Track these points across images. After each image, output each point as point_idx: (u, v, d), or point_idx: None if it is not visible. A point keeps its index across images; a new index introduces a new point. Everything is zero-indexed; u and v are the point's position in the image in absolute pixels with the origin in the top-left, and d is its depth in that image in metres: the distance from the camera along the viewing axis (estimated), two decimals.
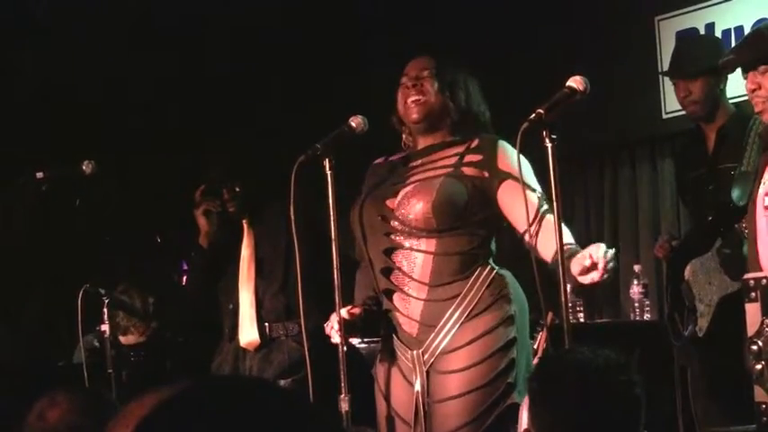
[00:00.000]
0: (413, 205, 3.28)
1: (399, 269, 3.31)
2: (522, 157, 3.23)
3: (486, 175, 3.28)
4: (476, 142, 3.35)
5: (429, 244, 3.29)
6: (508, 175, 3.25)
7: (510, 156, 3.26)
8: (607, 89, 5.30)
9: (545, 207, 3.17)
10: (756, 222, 3.27)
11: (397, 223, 3.32)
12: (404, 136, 3.51)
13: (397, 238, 3.33)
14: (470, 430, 3.20)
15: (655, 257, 5.23)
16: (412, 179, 3.36)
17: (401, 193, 3.33)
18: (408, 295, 3.31)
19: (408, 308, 3.31)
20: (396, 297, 3.34)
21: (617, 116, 6.04)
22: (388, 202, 3.35)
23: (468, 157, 3.32)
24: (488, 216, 3.30)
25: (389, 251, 3.34)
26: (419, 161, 3.41)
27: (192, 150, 5.73)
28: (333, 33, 6.55)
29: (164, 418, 1.11)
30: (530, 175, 3.25)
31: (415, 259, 3.30)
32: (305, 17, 6.48)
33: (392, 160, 3.53)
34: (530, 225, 3.16)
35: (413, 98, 3.38)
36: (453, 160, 3.33)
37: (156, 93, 6.24)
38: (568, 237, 3.09)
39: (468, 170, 3.30)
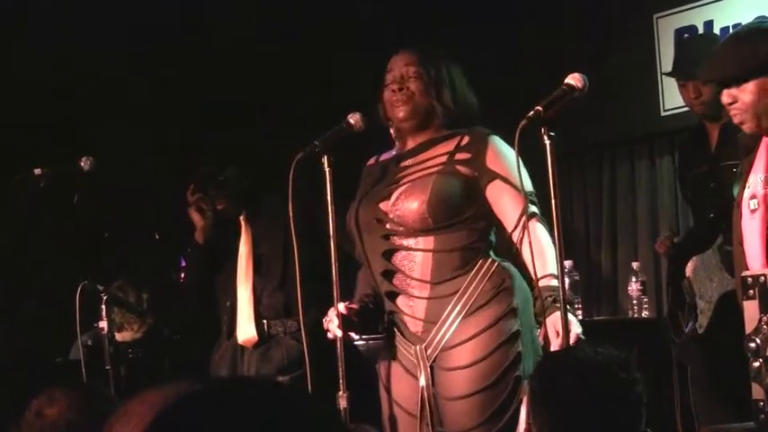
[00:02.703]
0: (407, 205, 3.27)
1: (400, 271, 3.30)
2: (515, 154, 3.22)
3: (476, 173, 3.27)
4: (466, 139, 3.32)
5: (427, 242, 3.28)
6: (496, 175, 3.25)
7: (499, 154, 3.27)
8: (606, 86, 5.30)
9: (531, 210, 3.16)
10: (742, 225, 3.27)
11: (392, 225, 3.31)
12: (392, 130, 3.48)
13: (395, 239, 3.32)
14: (485, 430, 3.19)
15: (655, 254, 5.22)
16: (405, 180, 3.34)
17: (395, 195, 3.31)
18: (411, 296, 3.30)
19: (412, 308, 3.29)
20: (399, 299, 3.33)
21: (615, 113, 6.03)
22: (382, 205, 3.33)
23: (459, 155, 3.30)
24: (485, 209, 3.29)
25: (388, 253, 3.32)
26: (410, 160, 3.39)
27: (191, 150, 5.72)
28: (332, 33, 6.54)
29: (169, 421, 1.10)
30: (519, 174, 3.21)
31: (415, 258, 3.28)
32: (305, 17, 6.47)
33: (383, 160, 3.51)
34: (515, 228, 3.20)
35: (399, 100, 3.36)
36: (444, 158, 3.31)
37: (156, 93, 6.24)
38: (551, 263, 3.09)
39: (459, 167, 3.29)
